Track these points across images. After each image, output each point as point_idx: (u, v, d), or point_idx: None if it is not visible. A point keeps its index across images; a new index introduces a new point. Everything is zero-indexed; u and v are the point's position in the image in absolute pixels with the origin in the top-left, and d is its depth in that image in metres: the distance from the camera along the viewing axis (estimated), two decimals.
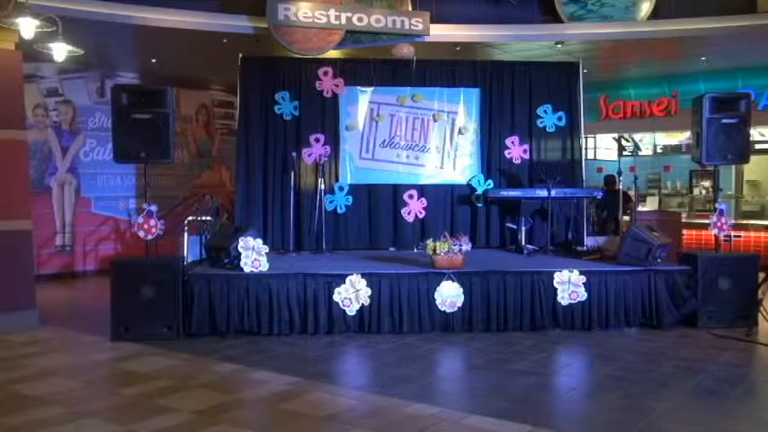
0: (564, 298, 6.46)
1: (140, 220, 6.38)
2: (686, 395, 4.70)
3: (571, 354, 6.02)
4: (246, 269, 6.34)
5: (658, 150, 12.29)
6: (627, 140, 12.31)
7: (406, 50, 8.09)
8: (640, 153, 12.01)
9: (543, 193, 7.99)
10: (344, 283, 6.30)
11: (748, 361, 5.72)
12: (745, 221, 10.47)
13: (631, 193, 9.71)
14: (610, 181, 9.86)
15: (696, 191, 11.77)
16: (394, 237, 8.54)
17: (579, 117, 8.85)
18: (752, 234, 10.08)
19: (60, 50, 6.59)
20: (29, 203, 7.15)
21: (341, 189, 8.47)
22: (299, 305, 6.32)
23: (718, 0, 7.99)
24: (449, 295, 6.37)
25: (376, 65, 8.52)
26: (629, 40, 8.45)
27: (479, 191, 8.61)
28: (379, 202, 8.56)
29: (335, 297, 6.30)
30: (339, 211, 8.44)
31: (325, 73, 8.46)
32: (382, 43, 7.98)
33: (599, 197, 8.62)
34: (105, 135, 9.66)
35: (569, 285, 6.46)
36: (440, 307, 6.38)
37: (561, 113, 8.75)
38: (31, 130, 9.04)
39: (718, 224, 6.96)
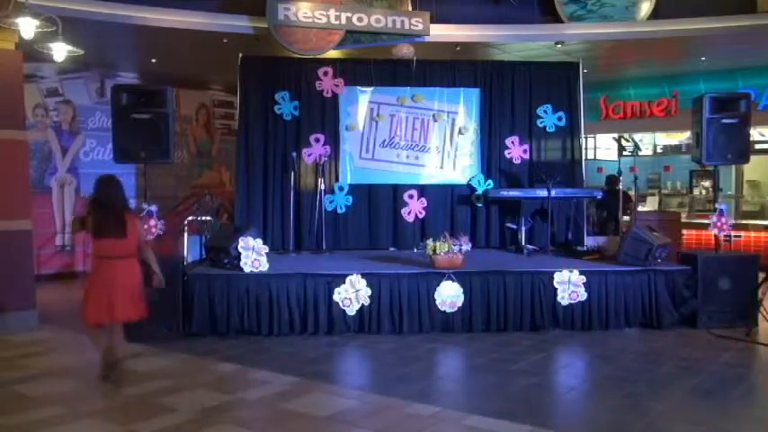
0: (564, 298, 6.46)
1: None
2: (686, 395, 4.70)
3: (571, 354, 6.02)
4: (246, 269, 6.34)
5: (658, 150, 12.29)
6: (627, 140, 12.30)
7: (405, 50, 8.09)
8: (640, 153, 12.00)
9: (543, 193, 7.99)
10: (344, 283, 6.29)
11: (748, 361, 5.72)
12: (745, 221, 10.46)
13: (631, 193, 9.70)
14: (611, 181, 9.83)
15: (696, 191, 11.76)
16: (394, 237, 8.54)
17: (579, 117, 8.85)
18: (752, 234, 10.07)
19: (60, 50, 6.59)
20: (29, 203, 7.15)
21: (341, 189, 8.46)
22: (299, 305, 6.32)
23: (718, 0, 7.99)
24: (449, 295, 6.37)
25: (376, 65, 8.52)
26: (629, 40, 8.44)
27: (479, 191, 8.61)
28: (379, 202, 8.56)
29: (335, 297, 6.30)
30: (339, 211, 8.43)
31: (326, 73, 8.46)
32: (382, 43, 7.97)
33: (599, 197, 8.62)
34: (105, 135, 9.65)
35: (569, 285, 6.46)
36: (440, 307, 6.37)
37: (561, 113, 8.75)
38: (30, 130, 9.03)
39: (719, 224, 6.96)
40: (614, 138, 12.34)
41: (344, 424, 4.10)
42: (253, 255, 6.36)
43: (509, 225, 8.43)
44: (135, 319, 4.75)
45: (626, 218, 9.33)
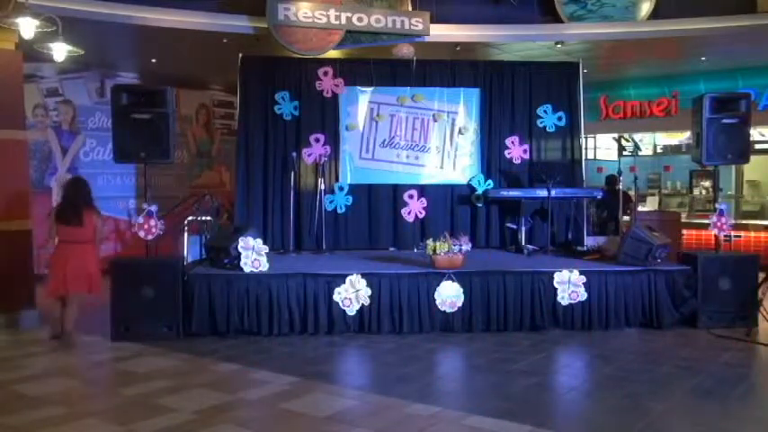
0: (564, 298, 6.46)
1: (140, 220, 6.38)
2: (686, 395, 4.70)
3: (571, 354, 6.02)
4: (246, 269, 6.34)
5: (658, 150, 12.28)
6: (627, 140, 12.30)
7: (405, 50, 8.09)
8: (640, 153, 12.00)
9: (543, 193, 7.99)
10: (344, 283, 6.29)
11: (748, 361, 5.72)
12: (745, 221, 10.45)
13: (631, 193, 9.70)
14: (611, 180, 9.82)
15: (696, 191, 11.75)
16: (394, 237, 8.54)
17: (579, 117, 8.85)
18: (752, 234, 10.07)
19: (60, 50, 6.59)
20: (29, 203, 7.15)
21: (341, 189, 8.46)
22: (299, 305, 6.32)
23: (718, 0, 7.99)
24: (449, 295, 6.37)
25: (376, 65, 8.51)
26: (629, 40, 8.44)
27: (479, 191, 8.61)
28: (378, 202, 8.56)
29: (335, 297, 6.29)
30: (339, 211, 8.44)
31: (326, 73, 8.46)
32: (382, 43, 7.97)
33: (599, 197, 8.62)
34: (105, 135, 9.63)
35: (569, 285, 6.46)
36: (440, 307, 6.37)
37: (561, 113, 8.75)
38: (30, 130, 9.02)
39: (718, 224, 6.96)
40: (614, 138, 12.34)
41: (344, 424, 4.10)
42: (253, 255, 6.36)
43: (509, 225, 8.43)
44: (84, 292, 6.03)
45: (626, 218, 9.33)
